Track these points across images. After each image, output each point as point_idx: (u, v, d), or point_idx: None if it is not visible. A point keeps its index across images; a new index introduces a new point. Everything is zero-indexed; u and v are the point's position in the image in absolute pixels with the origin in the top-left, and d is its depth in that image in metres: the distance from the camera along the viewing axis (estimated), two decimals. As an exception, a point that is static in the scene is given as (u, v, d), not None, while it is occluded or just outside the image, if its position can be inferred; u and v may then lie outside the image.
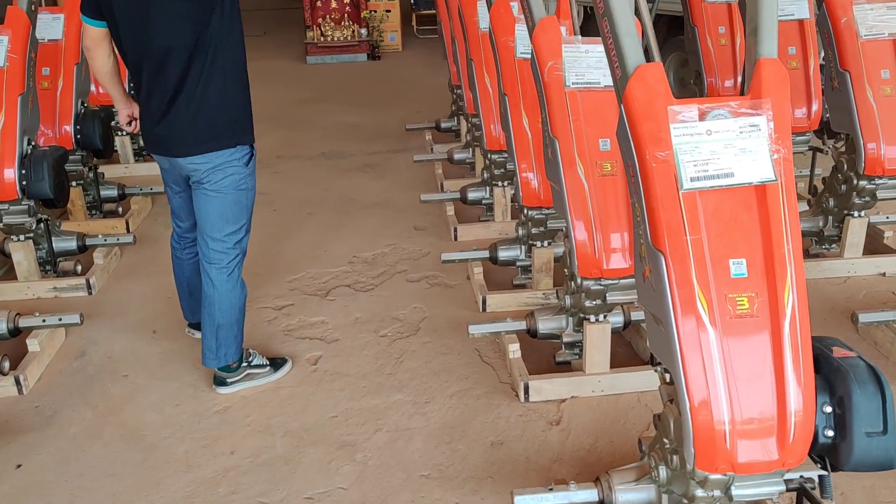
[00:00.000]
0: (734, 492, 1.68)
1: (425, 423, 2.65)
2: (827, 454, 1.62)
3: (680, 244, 1.59)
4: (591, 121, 2.51)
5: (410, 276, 3.76)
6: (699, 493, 1.74)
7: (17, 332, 3.01)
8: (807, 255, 3.74)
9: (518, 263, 3.49)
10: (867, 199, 3.46)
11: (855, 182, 3.42)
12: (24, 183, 3.33)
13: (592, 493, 1.99)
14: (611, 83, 2.45)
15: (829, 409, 1.60)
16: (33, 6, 3.49)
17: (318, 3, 9.49)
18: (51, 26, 4.05)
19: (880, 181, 3.39)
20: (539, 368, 2.86)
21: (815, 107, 3.96)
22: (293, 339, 3.21)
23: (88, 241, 3.77)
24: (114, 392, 2.88)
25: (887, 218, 3.79)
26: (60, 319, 3.07)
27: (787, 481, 1.71)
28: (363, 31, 9.46)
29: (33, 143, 3.43)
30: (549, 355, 2.94)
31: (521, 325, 2.90)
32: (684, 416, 1.59)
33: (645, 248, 1.69)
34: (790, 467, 1.61)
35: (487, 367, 2.97)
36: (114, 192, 4.47)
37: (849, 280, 3.58)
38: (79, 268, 3.68)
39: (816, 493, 1.76)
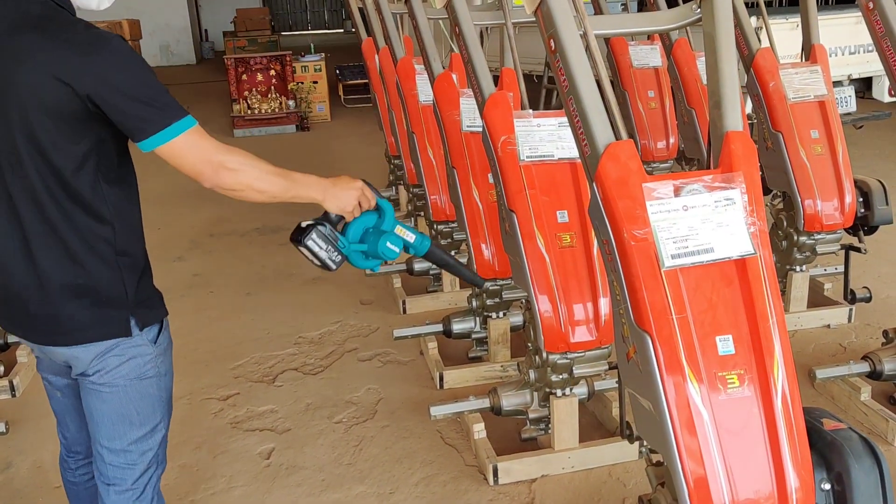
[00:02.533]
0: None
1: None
2: (829, 535, 1.57)
3: (666, 324, 1.54)
4: (548, 193, 2.49)
5: (361, 355, 3.63)
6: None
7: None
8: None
9: (473, 336, 3.41)
10: (808, 254, 3.55)
11: (795, 238, 3.51)
12: None
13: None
14: (565, 155, 2.48)
15: (827, 487, 1.55)
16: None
17: (244, 77, 9.42)
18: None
19: (819, 236, 3.48)
20: (505, 447, 2.75)
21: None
22: (241, 433, 3.02)
23: (10, 339, 3.51)
24: (47, 506, 2.63)
25: (825, 270, 3.89)
26: (-17, 428, 2.81)
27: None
28: (291, 102, 9.42)
29: None
30: (514, 432, 2.85)
31: (485, 402, 2.80)
32: (681, 500, 1.51)
33: (628, 328, 1.63)
34: (796, 553, 1.55)
35: (451, 450, 2.85)
36: None
37: (796, 334, 3.63)
38: (0, 368, 3.41)
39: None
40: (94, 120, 1.54)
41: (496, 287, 3.21)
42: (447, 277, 4.09)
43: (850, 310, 3.67)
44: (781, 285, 3.69)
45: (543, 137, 2.53)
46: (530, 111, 2.56)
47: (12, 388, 3.35)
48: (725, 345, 1.56)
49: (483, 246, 3.09)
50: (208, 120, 10.05)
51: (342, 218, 1.81)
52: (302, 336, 3.83)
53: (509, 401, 2.77)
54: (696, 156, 4.07)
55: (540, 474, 2.65)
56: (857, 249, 3.49)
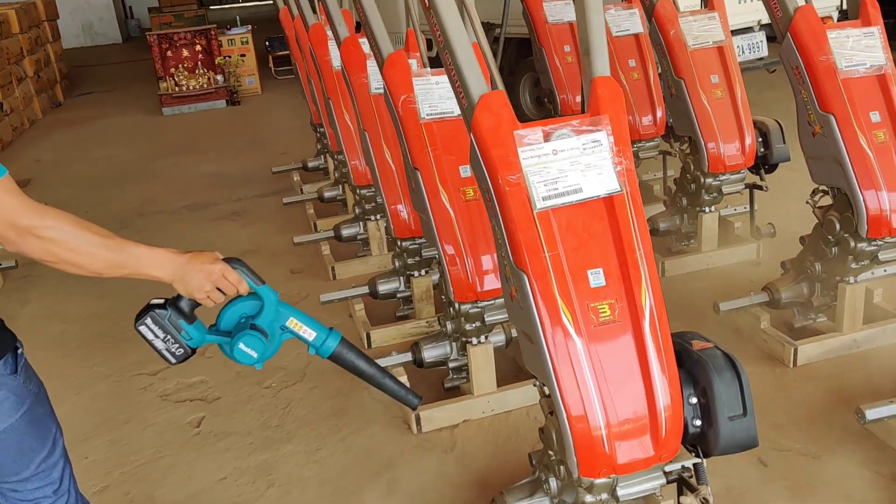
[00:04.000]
0: (620, 492, 1.74)
1: (319, 471, 2.59)
2: (698, 442, 1.70)
3: (540, 262, 1.63)
4: (450, 149, 2.56)
5: (291, 322, 3.68)
6: (588, 498, 1.78)
7: None
8: (669, 252, 3.95)
9: (398, 295, 3.48)
10: (715, 195, 3.70)
11: (702, 181, 3.65)
12: None
13: (489, 515, 2.00)
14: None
15: (694, 400, 1.68)
16: None
17: (169, 54, 9.23)
18: None
19: (723, 177, 3.62)
20: (430, 397, 2.86)
21: (659, 113, 4.15)
22: (171, 404, 3.07)
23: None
24: (-24, 490, 2.64)
25: (735, 210, 4.06)
26: None
27: (666, 473, 1.77)
28: (219, 77, 9.27)
29: None
30: (439, 382, 2.95)
31: (407, 356, 2.89)
32: (563, 426, 1.63)
33: (509, 269, 1.73)
34: (666, 461, 1.68)
35: (378, 404, 2.94)
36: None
37: (709, 272, 3.80)
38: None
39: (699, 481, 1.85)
40: None
41: (415, 246, 3.28)
42: (374, 241, 4.15)
43: (758, 246, 3.85)
44: (694, 226, 3.85)
45: (443, 94, 2.59)
46: (429, 69, 2.61)
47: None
48: (597, 278, 1.66)
49: (399, 207, 3.16)
50: (133, 100, 9.88)
51: (197, 304, 1.54)
52: (232, 308, 3.86)
53: (430, 352, 2.87)
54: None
55: (461, 420, 2.76)
56: (760, 188, 3.65)
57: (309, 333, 1.60)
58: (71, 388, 3.25)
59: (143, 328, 1.52)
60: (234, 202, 5.56)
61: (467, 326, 2.68)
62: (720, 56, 3.57)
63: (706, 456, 1.70)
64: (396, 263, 3.41)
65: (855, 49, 2.71)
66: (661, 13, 3.57)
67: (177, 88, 9.09)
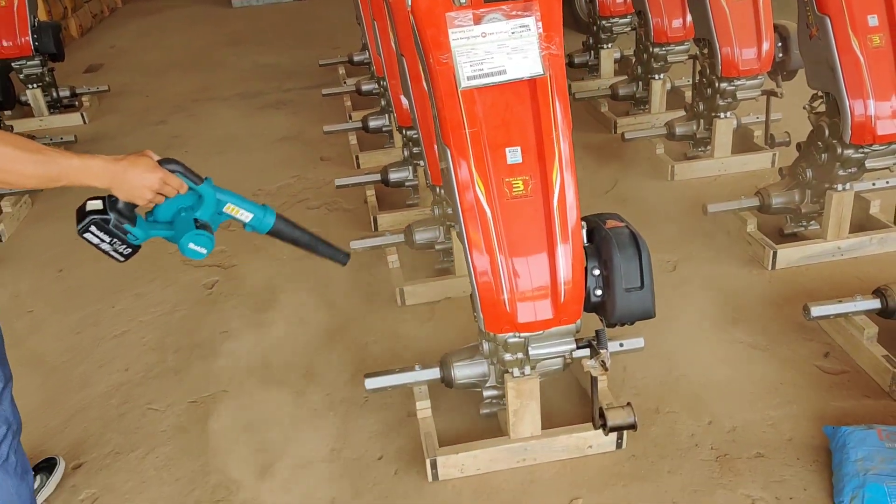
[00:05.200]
0: (531, 351, 1.93)
1: (308, 331, 2.88)
2: (599, 310, 1.86)
3: (460, 137, 1.79)
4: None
5: (311, 204, 3.94)
6: (507, 357, 1.98)
7: (-76, 279, 3.15)
8: (683, 157, 3.99)
9: (407, 183, 3.67)
10: (729, 100, 3.68)
11: (717, 85, 3.64)
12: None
13: (434, 372, 2.23)
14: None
15: (597, 272, 1.84)
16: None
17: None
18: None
19: (738, 82, 3.60)
20: (418, 275, 3.08)
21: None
22: (192, 269, 3.40)
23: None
24: (19, 326, 3.06)
25: (757, 118, 4.02)
26: (-35, 264, 3.22)
27: (577, 340, 1.95)
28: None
29: None
30: (431, 265, 3.16)
31: (399, 237, 3.11)
32: (472, 286, 1.82)
33: (438, 146, 1.89)
34: (566, 324, 1.86)
35: (373, 280, 3.19)
36: (24, 144, 4.55)
37: (719, 178, 3.83)
38: (-14, 216, 3.81)
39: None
40: None
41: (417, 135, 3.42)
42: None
43: (774, 154, 3.83)
44: (709, 132, 3.85)
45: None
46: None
47: (-2, 235, 3.75)
48: (514, 155, 1.81)
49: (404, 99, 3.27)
50: (208, -10, 10.09)
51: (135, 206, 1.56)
52: (261, 189, 4.15)
53: (421, 235, 3.07)
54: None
55: (443, 297, 2.98)
56: (775, 94, 3.61)
57: (245, 215, 1.69)
58: (110, 249, 3.62)
59: (88, 235, 1.53)
60: (283, 92, 5.79)
61: (449, 210, 2.85)
62: (745, -41, 3.48)
63: (607, 323, 1.87)
64: (406, 153, 3.57)
65: (859, -51, 2.64)
66: None
67: (245, -19, 9.25)
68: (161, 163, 1.55)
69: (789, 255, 3.00)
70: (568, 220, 1.79)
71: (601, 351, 1.87)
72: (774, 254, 2.97)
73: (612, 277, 1.80)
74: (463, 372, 2.20)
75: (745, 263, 3.07)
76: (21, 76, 5.23)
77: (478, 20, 1.80)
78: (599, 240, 1.85)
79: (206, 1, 9.57)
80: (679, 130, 3.93)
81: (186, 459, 2.30)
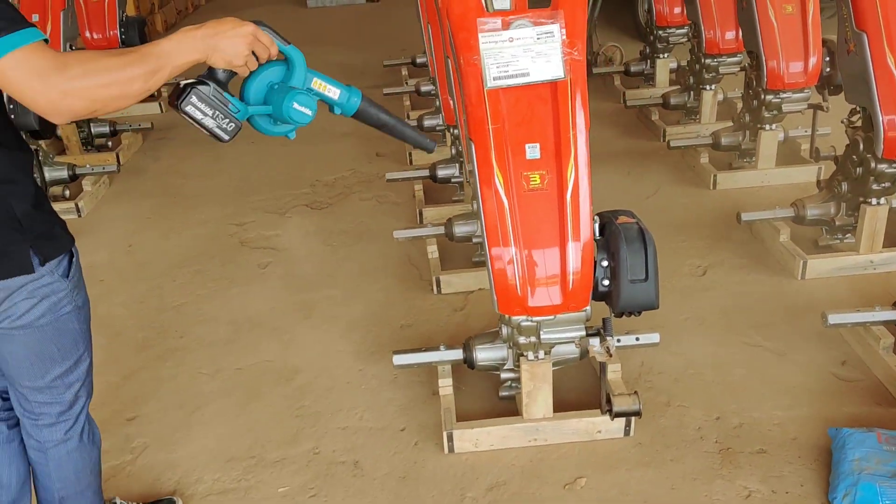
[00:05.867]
0: (543, 336, 2.08)
1: (349, 311, 3.07)
2: (606, 299, 1.99)
3: (483, 133, 1.95)
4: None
5: (363, 196, 4.15)
6: (521, 339, 2.13)
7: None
8: (729, 167, 4.04)
9: (453, 180, 3.84)
10: (775, 112, 3.73)
11: (762, 97, 3.69)
12: (12, 116, 3.76)
13: (458, 353, 2.39)
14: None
15: (605, 264, 1.97)
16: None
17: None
18: (37, -24, 4.44)
19: (784, 95, 3.65)
20: (456, 266, 3.25)
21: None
22: (249, 249, 3.64)
23: (78, 171, 4.22)
24: (91, 294, 3.32)
25: (805, 131, 4.04)
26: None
27: (587, 327, 2.09)
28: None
29: (72, 46, 3.85)
30: (468, 258, 3.32)
31: (440, 230, 3.27)
32: (488, 270, 1.97)
33: (464, 141, 2.05)
34: (574, 311, 1.99)
35: (413, 268, 3.37)
36: (105, 129, 4.91)
37: (761, 189, 3.87)
38: (67, 192, 4.14)
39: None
40: None
41: (468, 134, 3.59)
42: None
43: (819, 168, 3.85)
44: (750, 144, 3.90)
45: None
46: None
47: (78, 210, 4.08)
48: (533, 151, 1.96)
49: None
50: (285, -9, 10.49)
51: (234, 74, 1.47)
52: (319, 180, 4.38)
53: (460, 228, 3.23)
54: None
55: (477, 287, 3.14)
56: (822, 108, 3.64)
57: (334, 92, 1.59)
58: (176, 228, 3.90)
59: (189, 108, 1.42)
60: (348, 90, 6.03)
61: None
62: (795, -24, 3.53)
63: (613, 312, 2.00)
64: (453, 151, 3.74)
65: (901, -33, 2.69)
66: (740, -76, 3.57)
67: (322, -18, 9.59)
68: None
69: (820, 265, 3.05)
70: (580, 213, 1.93)
71: (607, 338, 2.00)
72: (804, 263, 3.03)
73: (618, 269, 1.92)
74: (484, 354, 2.35)
75: (776, 272, 3.13)
76: (107, 66, 5.61)
77: (506, 26, 1.96)
78: (609, 234, 1.98)
79: (284, 1, 9.96)
80: (725, 141, 3.99)
81: (227, 419, 2.52)
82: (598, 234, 2.02)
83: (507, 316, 2.03)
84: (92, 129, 4.85)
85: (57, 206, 4.02)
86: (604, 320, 2.04)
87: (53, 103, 1.26)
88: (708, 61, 4.32)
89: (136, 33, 5.47)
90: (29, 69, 1.23)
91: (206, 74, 1.46)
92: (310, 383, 2.67)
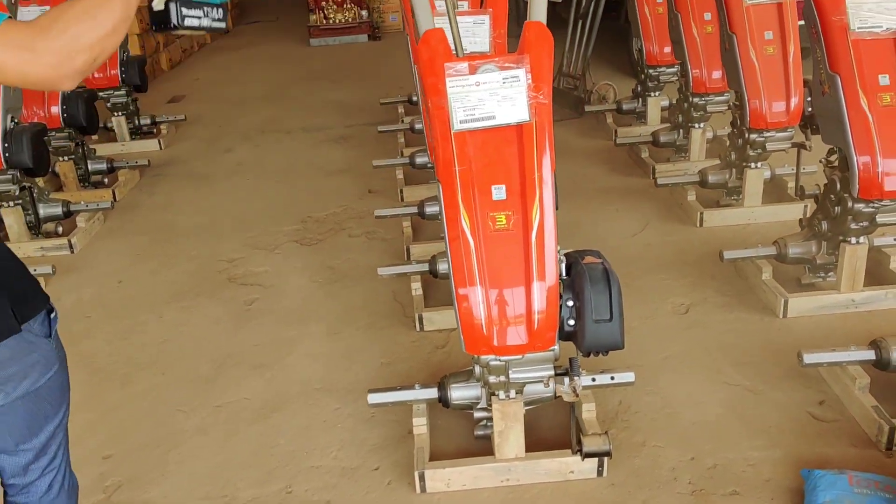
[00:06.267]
0: (511, 375, 2.08)
1: (330, 349, 3.08)
2: (572, 339, 2.00)
3: (450, 174, 1.98)
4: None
5: (353, 232, 4.18)
6: (492, 379, 2.14)
7: None
8: (716, 205, 4.06)
9: (440, 218, 3.86)
10: (759, 150, 3.76)
11: (746, 135, 3.72)
12: (6, 154, 3.84)
13: (433, 391, 2.40)
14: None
15: (571, 304, 1.98)
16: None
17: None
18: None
19: (768, 134, 3.68)
20: (440, 303, 3.26)
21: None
22: (236, 286, 3.67)
23: (72, 207, 4.28)
24: (76, 329, 3.37)
25: (792, 169, 4.06)
26: (35, 270, 3.57)
27: (556, 367, 2.09)
28: (364, 12, 9.84)
29: (16, 120, 3.93)
30: (448, 295, 3.32)
31: (424, 266, 3.30)
32: (455, 310, 1.98)
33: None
34: (540, 350, 2.00)
35: (398, 305, 3.38)
36: (103, 166, 4.98)
37: (748, 227, 3.89)
38: (59, 229, 4.20)
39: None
40: None
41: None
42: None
43: (805, 206, 3.86)
44: (737, 182, 3.93)
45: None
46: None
47: (70, 246, 4.12)
48: (499, 192, 1.98)
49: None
50: (288, 29, 10.67)
51: None
52: (310, 216, 4.42)
53: (443, 266, 3.25)
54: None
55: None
56: (805, 146, 3.66)
57: None
58: (166, 264, 3.94)
59: (188, 21, 1.38)
60: (345, 127, 6.11)
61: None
62: (778, 13, 3.59)
63: (579, 352, 2.00)
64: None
65: (873, 11, 2.72)
66: (720, -32, 3.63)
67: (325, 21, 9.76)
68: None
69: (801, 304, 3.05)
70: (545, 253, 1.95)
71: (574, 378, 2.00)
72: (786, 302, 3.03)
73: (583, 309, 1.93)
74: (458, 393, 2.35)
75: (758, 311, 3.12)
76: (108, 105, 5.72)
77: (473, 70, 1.99)
78: (575, 274, 1.99)
79: (288, 40, 10.12)
80: (712, 178, 4.02)
81: (202, 458, 2.52)
82: (564, 273, 2.04)
83: (468, 352, 2.04)
84: (89, 167, 4.92)
85: (49, 243, 4.11)
86: (570, 360, 2.05)
87: (54, 67, 1.18)
88: (695, 100, 4.36)
89: (136, 72, 5.59)
90: (11, 45, 1.16)
91: None
92: (286, 422, 2.67)
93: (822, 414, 2.51)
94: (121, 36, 1.26)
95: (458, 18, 2.89)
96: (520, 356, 2.04)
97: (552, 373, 2.09)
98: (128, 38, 5.80)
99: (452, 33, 2.12)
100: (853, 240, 2.97)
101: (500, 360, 2.05)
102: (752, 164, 3.82)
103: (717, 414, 2.54)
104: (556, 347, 2.07)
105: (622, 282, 3.37)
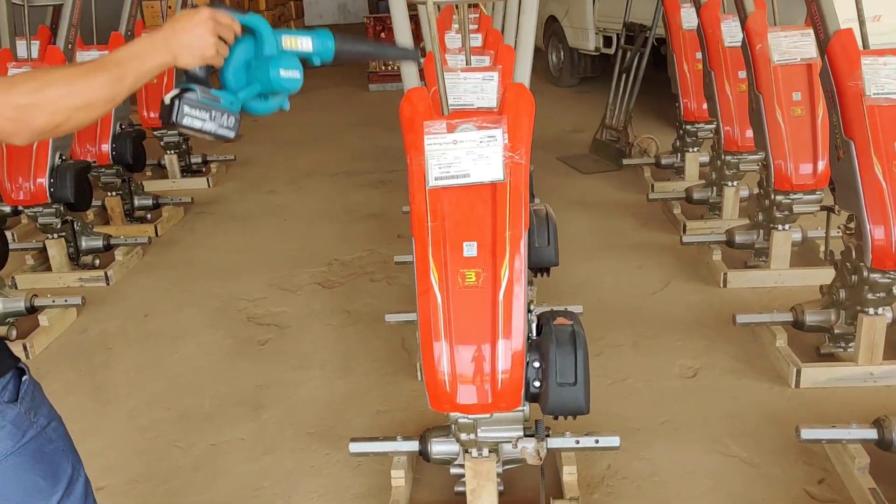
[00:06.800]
0: (480, 434, 2.06)
1: (329, 393, 3.11)
2: (537, 400, 1.97)
3: (423, 229, 2.00)
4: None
5: (375, 277, 4.24)
6: (463, 437, 2.12)
7: (33, 310, 3.69)
8: (744, 266, 3.96)
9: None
10: (786, 213, 3.66)
11: (772, 196, 3.64)
12: (51, 189, 4.05)
13: (414, 444, 2.39)
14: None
15: (537, 365, 1.95)
16: (70, 45, 4.25)
17: (382, 35, 10.19)
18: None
19: (794, 196, 3.58)
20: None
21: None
22: (253, 325, 3.75)
23: (112, 241, 4.48)
24: (97, 359, 3.50)
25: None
26: (66, 301, 3.74)
27: (526, 427, 2.06)
28: (422, 59, 10.05)
29: (64, 157, 4.15)
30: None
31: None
32: (420, 366, 1.98)
33: (412, 234, 2.10)
34: (503, 410, 1.97)
35: (404, 353, 3.40)
36: (149, 202, 5.20)
37: (773, 290, 3.77)
38: (97, 262, 4.38)
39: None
40: None
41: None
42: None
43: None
44: (765, 244, 3.82)
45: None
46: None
47: (107, 279, 4.29)
48: (470, 249, 1.99)
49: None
50: (352, 75, 10.98)
51: (211, 68, 1.36)
52: (337, 259, 4.50)
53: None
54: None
55: (461, 376, 3.13)
56: (833, 210, 3.55)
57: (306, 43, 1.43)
58: (192, 301, 4.06)
59: (186, 120, 1.32)
60: (386, 172, 6.22)
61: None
62: (808, 73, 3.53)
63: (544, 414, 1.97)
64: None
65: (890, 77, 2.65)
66: (750, 27, 3.60)
67: (383, 67, 10.02)
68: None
69: (815, 374, 2.93)
70: (512, 313, 1.94)
71: (538, 440, 1.97)
72: (798, 371, 2.91)
73: (548, 371, 1.91)
74: (439, 448, 2.34)
75: (770, 379, 3.01)
76: (162, 143, 5.98)
77: (452, 129, 2.02)
78: (543, 335, 1.97)
79: (348, 84, 10.42)
80: (739, 239, 3.92)
81: (188, 496, 2.56)
82: (535, 333, 2.02)
83: (434, 409, 2.03)
84: (135, 202, 5.15)
85: (87, 274, 4.29)
86: (536, 422, 2.02)
87: (11, 121, 1.15)
88: (728, 158, 4.29)
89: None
90: None
91: (186, 79, 1.35)
92: (275, 464, 2.69)
93: (820, 493, 2.39)
94: (97, 112, 1.22)
95: (469, 75, 2.95)
96: (488, 415, 2.02)
97: (521, 433, 2.06)
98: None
99: (441, 92, 2.16)
100: (871, 310, 2.85)
101: (468, 417, 2.04)
102: (780, 226, 3.72)
103: (706, 486, 2.45)
104: (526, 408, 2.04)
105: (632, 341, 3.35)
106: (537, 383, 1.96)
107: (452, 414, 2.06)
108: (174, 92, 1.32)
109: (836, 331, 3.01)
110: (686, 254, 4.21)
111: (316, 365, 3.34)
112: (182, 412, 3.04)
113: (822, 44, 2.82)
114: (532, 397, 1.98)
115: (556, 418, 2.01)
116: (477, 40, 3.65)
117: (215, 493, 2.57)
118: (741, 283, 3.81)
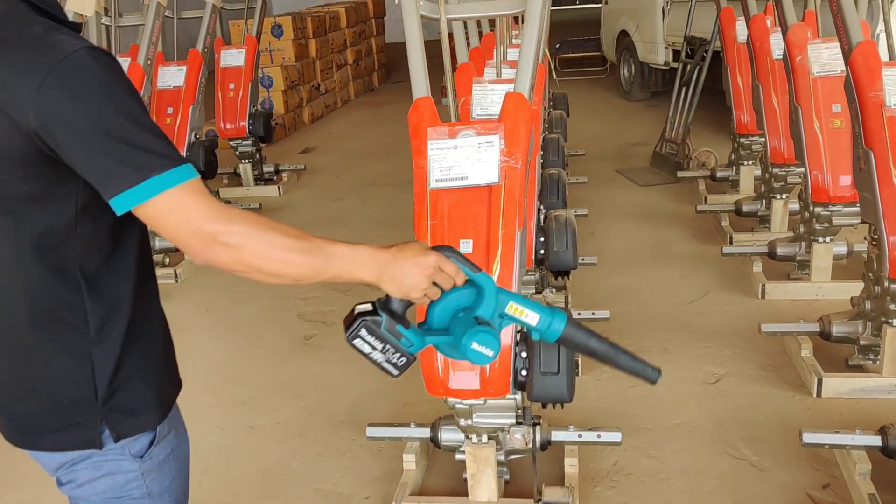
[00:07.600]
0: (474, 419, 2.20)
1: (362, 385, 3.30)
2: (523, 388, 2.09)
3: (423, 227, 2.16)
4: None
5: (421, 281, 4.42)
6: (462, 422, 2.26)
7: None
8: (786, 278, 3.94)
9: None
10: (826, 224, 3.63)
11: (812, 208, 3.62)
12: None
13: (426, 431, 2.55)
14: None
15: (524, 355, 2.08)
16: (149, 61, 4.66)
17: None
18: (174, 76, 5.24)
19: (834, 208, 3.56)
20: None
21: None
22: (302, 321, 4.00)
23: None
24: (159, 348, 3.80)
25: (872, 246, 3.87)
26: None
27: (518, 415, 2.19)
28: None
29: (197, 136, 5.09)
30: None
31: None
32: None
33: (417, 233, 2.27)
34: (492, 396, 2.10)
35: (438, 351, 3.56)
36: (222, 207, 5.58)
37: (814, 303, 3.74)
38: (167, 260, 4.74)
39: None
40: (55, 165, 1.12)
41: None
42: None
43: (879, 285, 3.67)
44: (806, 256, 3.80)
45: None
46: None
47: (175, 276, 4.64)
48: (466, 246, 2.14)
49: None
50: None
51: (410, 303, 1.33)
52: (388, 263, 4.71)
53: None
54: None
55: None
56: (873, 223, 3.50)
57: (532, 318, 1.38)
58: (249, 298, 4.33)
59: (357, 342, 1.32)
60: (447, 183, 6.41)
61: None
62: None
63: (529, 401, 2.09)
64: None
65: (830, 59, 2.69)
66: (790, 39, 3.61)
67: (457, 82, 10.25)
68: (434, 249, 1.32)
69: (837, 384, 2.92)
70: (500, 306, 2.07)
71: (523, 427, 2.10)
72: (820, 381, 2.92)
73: (533, 361, 2.04)
74: (448, 435, 2.49)
75: (793, 388, 3.02)
76: (237, 153, 6.38)
77: (453, 135, 2.19)
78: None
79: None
80: (780, 251, 3.91)
81: (220, 473, 2.80)
82: (526, 326, 2.15)
83: (429, 393, 2.18)
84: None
85: (159, 272, 4.64)
86: (524, 409, 2.14)
87: (201, 249, 1.13)
88: (775, 170, 4.28)
89: (262, 125, 6.21)
90: (184, 212, 1.10)
91: (382, 302, 1.33)
92: (305, 447, 2.90)
93: (822, 497, 2.41)
94: (276, 281, 1.20)
95: (496, 86, 3.11)
96: (482, 401, 2.16)
97: (514, 420, 2.19)
98: (258, 91, 6.47)
99: (450, 101, 2.33)
100: (895, 321, 2.83)
101: (464, 403, 2.18)
102: (820, 239, 3.69)
103: (711, 487, 2.50)
104: (518, 396, 2.17)
105: (661, 347, 3.42)
106: (524, 372, 2.08)
107: (450, 400, 2.21)
108: (364, 307, 1.33)
109: (862, 342, 2.99)
110: (730, 265, 4.21)
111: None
112: (227, 398, 3.30)
113: (846, 54, 2.83)
114: (520, 385, 2.11)
115: (544, 406, 2.13)
116: (516, 54, 3.79)
117: (246, 471, 2.79)
118: (780, 294, 3.79)
